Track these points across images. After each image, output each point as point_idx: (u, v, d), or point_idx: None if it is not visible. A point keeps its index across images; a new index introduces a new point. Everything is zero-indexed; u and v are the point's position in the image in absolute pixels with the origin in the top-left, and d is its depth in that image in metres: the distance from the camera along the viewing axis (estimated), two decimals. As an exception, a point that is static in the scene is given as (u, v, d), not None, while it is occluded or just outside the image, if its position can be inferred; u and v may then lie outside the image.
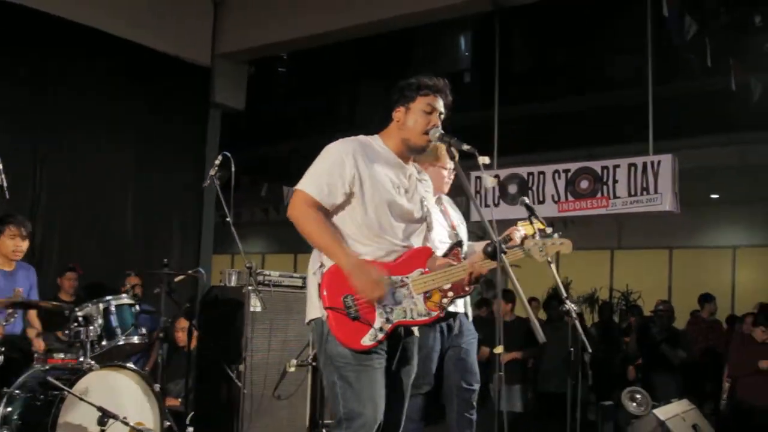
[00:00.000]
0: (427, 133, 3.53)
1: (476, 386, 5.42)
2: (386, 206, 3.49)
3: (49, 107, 8.97)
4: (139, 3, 9.79)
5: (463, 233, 5.32)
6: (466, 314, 5.50)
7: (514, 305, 9.56)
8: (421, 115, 3.54)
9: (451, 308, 5.05)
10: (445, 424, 5.75)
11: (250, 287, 5.90)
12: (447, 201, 5.39)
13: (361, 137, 3.61)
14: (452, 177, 5.27)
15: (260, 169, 14.96)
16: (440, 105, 3.58)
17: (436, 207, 5.30)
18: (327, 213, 3.48)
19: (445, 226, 5.30)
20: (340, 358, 3.39)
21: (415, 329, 3.67)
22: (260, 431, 6.09)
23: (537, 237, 3.69)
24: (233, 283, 6.35)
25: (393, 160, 3.59)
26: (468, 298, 5.35)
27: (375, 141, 3.63)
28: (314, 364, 6.13)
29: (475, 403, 5.54)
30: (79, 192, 9.21)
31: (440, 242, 5.11)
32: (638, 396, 6.29)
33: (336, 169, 3.44)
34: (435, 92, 3.57)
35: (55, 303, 6.05)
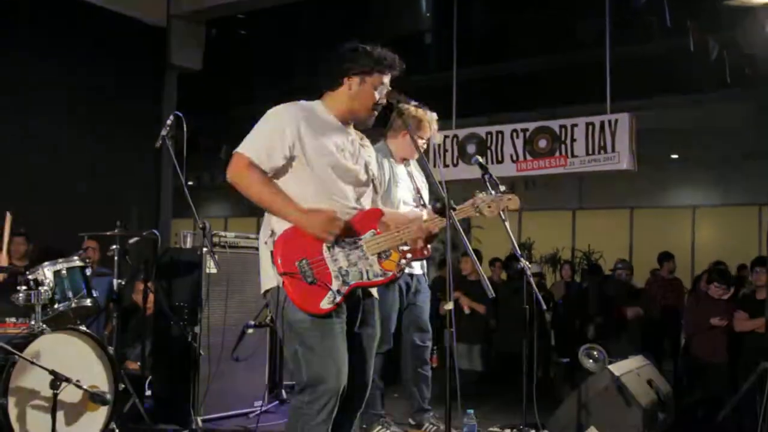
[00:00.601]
0: (374, 108, 3.56)
1: (429, 343, 5.58)
2: (331, 169, 3.47)
3: (-1, 73, 8.77)
4: (91, -38, 9.58)
5: (426, 196, 5.36)
6: (424, 275, 5.58)
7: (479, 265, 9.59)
8: (373, 90, 3.54)
9: (408, 270, 5.10)
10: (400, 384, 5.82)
11: (204, 249, 5.85)
12: (413, 164, 5.42)
13: (303, 102, 3.58)
14: (425, 145, 5.31)
15: (221, 131, 14.81)
16: (388, 80, 3.59)
17: (403, 168, 5.33)
18: (266, 175, 3.44)
19: (411, 189, 5.34)
20: (299, 323, 3.37)
21: (374, 290, 3.67)
22: (219, 393, 6.07)
23: (486, 193, 3.68)
24: (188, 245, 6.30)
25: (335, 125, 3.58)
26: (425, 261, 5.39)
27: (317, 106, 3.60)
28: (272, 325, 6.10)
29: (428, 360, 5.64)
30: (32, 155, 9.05)
31: (404, 203, 5.17)
32: (595, 353, 6.36)
33: (276, 133, 3.42)
34: (391, 70, 3.57)
35: (3, 266, 5.96)
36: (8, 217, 5.47)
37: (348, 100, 3.56)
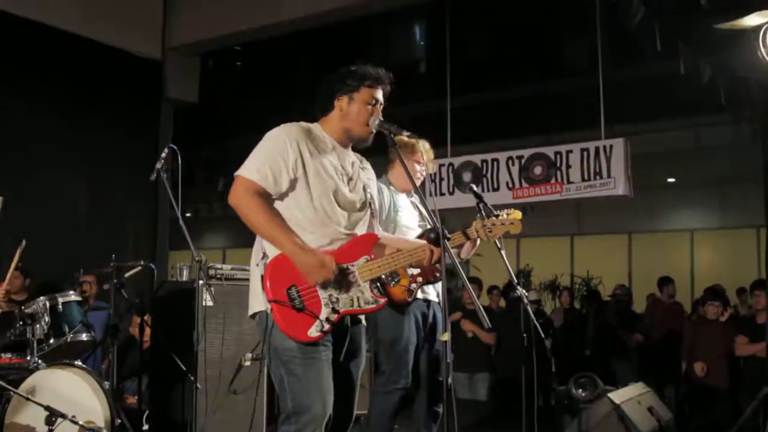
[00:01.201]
0: (368, 124, 3.52)
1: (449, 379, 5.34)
2: (330, 193, 3.45)
3: (-5, 103, 8.80)
4: (86, -3, 9.64)
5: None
6: (439, 303, 5.39)
7: (479, 294, 9.57)
8: (364, 106, 3.52)
9: (420, 295, 4.98)
10: (410, 415, 5.67)
11: (201, 281, 5.82)
12: (417, 201, 5.34)
13: (302, 123, 3.56)
14: (424, 172, 5.26)
15: (218, 163, 14.84)
16: (381, 96, 3.58)
17: (406, 198, 5.28)
18: (270, 199, 3.42)
19: (415, 216, 5.26)
20: (286, 351, 3.34)
21: (362, 318, 3.64)
22: (217, 426, 6.02)
23: (483, 217, 3.68)
24: (184, 278, 6.27)
25: (335, 147, 3.57)
26: (439, 286, 5.28)
27: (315, 128, 3.59)
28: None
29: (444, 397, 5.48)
30: (29, 190, 9.05)
31: (407, 228, 5.06)
32: (583, 380, 6.30)
33: (279, 155, 3.39)
34: (378, 83, 3.56)
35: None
36: (22, 244, 5.46)
37: (341, 121, 3.55)
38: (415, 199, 5.32)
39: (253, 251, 3.51)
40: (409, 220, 5.18)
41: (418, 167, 5.15)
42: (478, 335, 8.97)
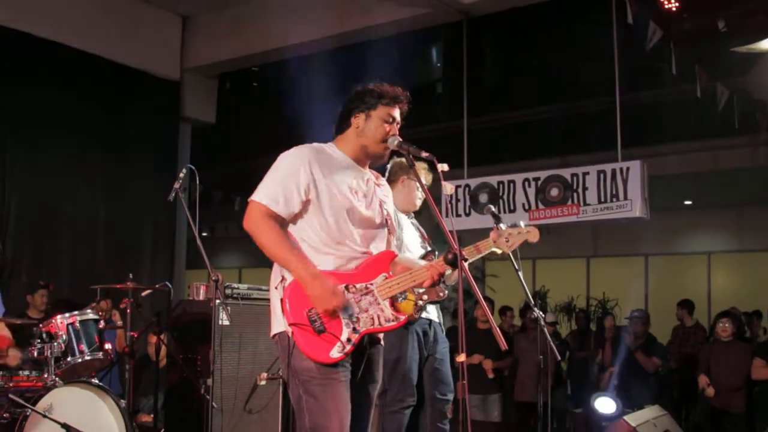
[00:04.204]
0: (385, 141, 3.53)
1: (450, 396, 5.36)
2: (344, 212, 3.46)
3: (17, 124, 8.92)
4: (106, 18, 9.77)
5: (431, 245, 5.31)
6: (440, 323, 5.46)
7: (492, 313, 9.52)
8: (381, 123, 3.53)
9: (425, 315, 5.01)
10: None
11: (217, 301, 5.84)
12: (416, 222, 5.37)
13: (315, 144, 3.58)
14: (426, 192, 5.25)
15: (235, 183, 14.89)
16: (398, 114, 3.59)
17: (408, 219, 5.30)
18: (284, 223, 3.44)
19: (417, 236, 5.29)
20: (305, 372, 3.34)
21: (381, 337, 3.64)
22: (231, 446, 6.03)
23: (501, 227, 3.67)
24: (201, 297, 6.29)
25: (349, 164, 3.57)
26: (440, 311, 5.31)
27: (329, 147, 3.60)
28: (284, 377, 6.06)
29: (448, 414, 5.49)
30: (49, 208, 9.15)
31: (409, 247, 5.08)
32: (607, 400, 6.30)
33: (290, 178, 3.41)
34: (395, 102, 3.57)
35: (20, 320, 5.98)
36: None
37: (357, 138, 3.56)
38: (415, 221, 5.34)
39: (272, 274, 3.52)
40: (412, 240, 5.21)
41: (413, 184, 5.18)
42: (498, 366, 8.87)
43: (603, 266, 17.34)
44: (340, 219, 3.45)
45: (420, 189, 5.16)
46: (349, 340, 3.35)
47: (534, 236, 3.72)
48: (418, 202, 5.30)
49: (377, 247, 3.60)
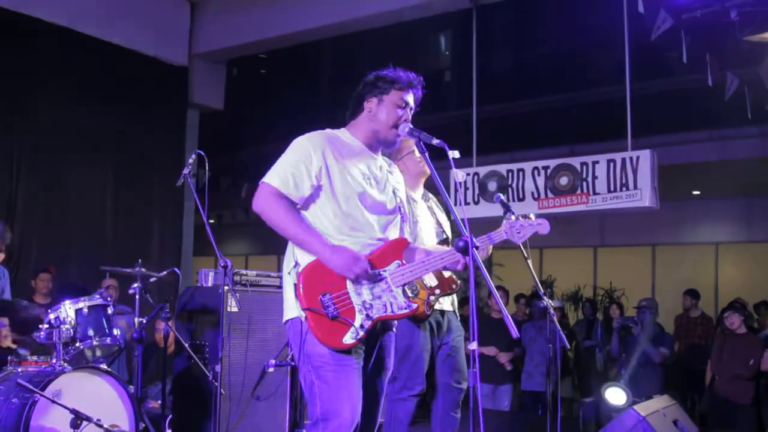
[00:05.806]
0: (396, 126, 3.51)
1: (464, 385, 5.26)
2: (357, 198, 3.45)
3: (25, 108, 8.91)
4: (115, 4, 9.73)
5: (448, 231, 5.25)
6: (454, 312, 5.40)
7: (506, 302, 9.51)
8: (393, 108, 3.53)
9: (437, 306, 4.97)
10: (427, 422, 5.65)
11: (226, 287, 5.83)
12: (434, 200, 5.31)
13: (328, 131, 3.57)
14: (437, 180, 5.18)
15: (242, 169, 14.90)
16: (412, 100, 3.58)
17: (423, 203, 5.24)
18: (294, 205, 3.43)
19: (432, 222, 5.22)
20: (318, 357, 3.34)
21: (394, 324, 3.63)
22: (239, 432, 6.03)
23: (512, 218, 3.66)
24: (210, 284, 6.28)
25: (362, 150, 3.57)
26: (455, 297, 5.27)
27: (342, 133, 3.59)
28: (294, 364, 6.06)
29: (460, 403, 5.44)
30: (57, 193, 9.15)
31: (426, 237, 5.03)
32: (618, 391, 6.29)
33: (302, 162, 3.40)
34: (409, 87, 3.56)
35: (26, 304, 5.99)
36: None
37: (369, 122, 3.55)
38: (432, 203, 5.26)
39: (285, 259, 3.50)
40: (427, 227, 5.14)
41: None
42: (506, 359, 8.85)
43: (610, 256, 17.31)
44: (353, 205, 3.44)
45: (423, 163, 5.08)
46: (362, 326, 3.34)
47: (545, 228, 3.71)
48: (419, 184, 5.19)
49: (391, 233, 3.59)
